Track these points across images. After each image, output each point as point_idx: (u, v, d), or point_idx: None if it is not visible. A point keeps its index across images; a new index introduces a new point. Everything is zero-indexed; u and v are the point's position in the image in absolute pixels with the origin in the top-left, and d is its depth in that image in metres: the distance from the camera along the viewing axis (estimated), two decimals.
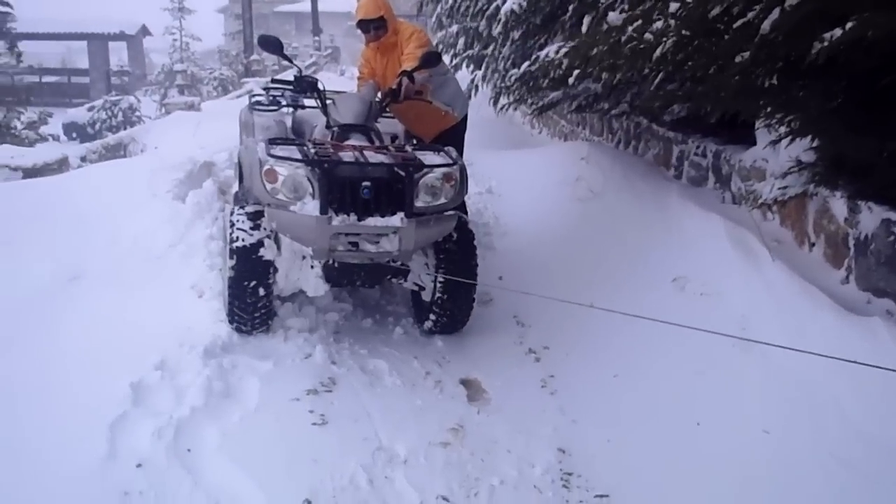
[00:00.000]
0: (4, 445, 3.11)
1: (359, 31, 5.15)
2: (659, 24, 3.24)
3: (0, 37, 19.09)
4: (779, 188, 4.14)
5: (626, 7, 3.88)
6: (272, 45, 4.64)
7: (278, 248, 4.11)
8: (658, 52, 3.29)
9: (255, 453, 3.19)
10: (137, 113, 21.56)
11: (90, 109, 22.96)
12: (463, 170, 4.10)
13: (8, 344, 3.86)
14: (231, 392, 3.63)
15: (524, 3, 3.50)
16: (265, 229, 4.04)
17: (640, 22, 3.32)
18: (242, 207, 4.14)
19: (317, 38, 27.90)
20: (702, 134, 5.94)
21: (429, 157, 4.05)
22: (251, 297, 4.03)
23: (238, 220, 4.06)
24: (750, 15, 2.89)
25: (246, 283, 4.01)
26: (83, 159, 9.42)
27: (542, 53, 4.79)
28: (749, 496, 3.01)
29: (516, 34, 6.29)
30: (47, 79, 32.02)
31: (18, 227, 5.27)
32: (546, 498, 3.14)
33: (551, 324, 4.57)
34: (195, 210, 5.53)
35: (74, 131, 22.06)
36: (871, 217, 3.66)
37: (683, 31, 3.17)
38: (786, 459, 3.11)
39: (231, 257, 4.00)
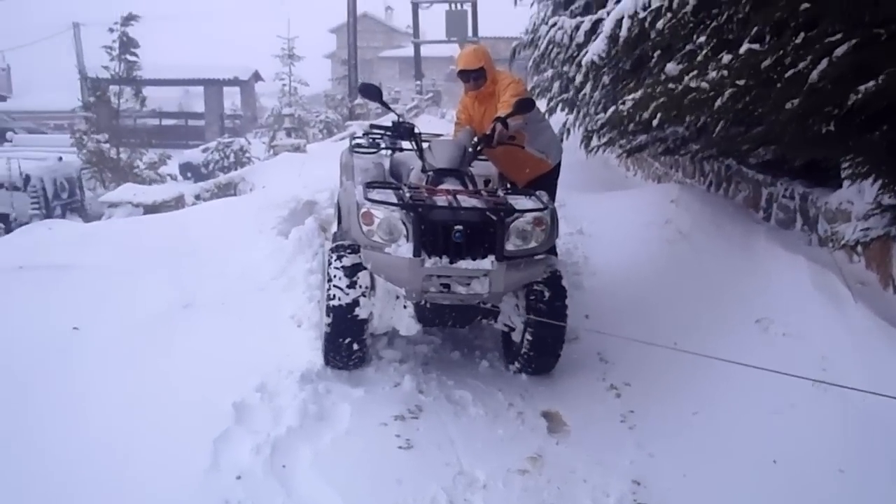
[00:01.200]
0: (121, 453, 3.43)
1: (459, 80, 5.32)
2: (714, 75, 3.38)
3: (127, 83, 20.48)
4: (861, 230, 4.16)
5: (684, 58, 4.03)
6: (372, 92, 4.85)
7: (373, 286, 4.26)
8: (718, 102, 3.42)
9: (344, 472, 3.42)
10: (248, 154, 22.57)
11: (204, 151, 24.21)
12: (553, 214, 4.16)
13: (128, 363, 4.23)
14: (324, 415, 3.88)
15: (603, 54, 3.67)
16: (361, 287, 4.18)
17: (695, 72, 3.46)
18: (340, 259, 4.24)
19: (419, 82, 28.66)
20: (790, 176, 5.95)
21: (520, 202, 4.13)
22: (346, 351, 4.24)
23: (336, 276, 4.19)
24: (801, 65, 3.01)
25: (341, 339, 4.21)
26: (197, 197, 10.05)
27: (629, 98, 4.95)
28: None
29: (606, 79, 6.46)
30: (166, 122, 33.85)
31: (137, 258, 5.74)
32: None
33: (634, 361, 4.66)
34: (297, 246, 5.88)
35: (189, 171, 23.30)
36: None
37: (738, 82, 3.31)
38: (860, 498, 3.12)
39: (328, 315, 4.19)
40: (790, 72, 3.10)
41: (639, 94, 4.56)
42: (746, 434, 3.76)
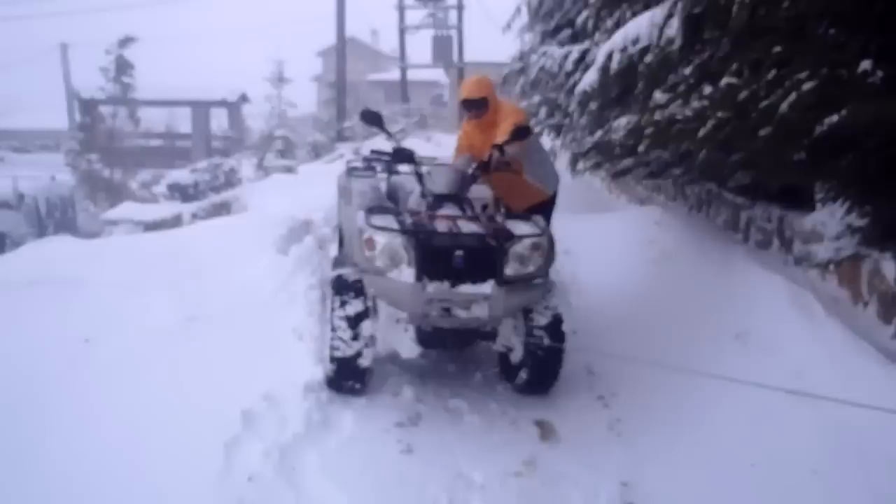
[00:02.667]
0: (136, 459, 3.61)
1: (459, 107, 5.46)
2: (696, 104, 3.69)
3: (120, 104, 20.68)
4: (833, 250, 4.44)
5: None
6: (374, 119, 4.87)
7: (375, 310, 4.37)
8: (701, 132, 3.73)
9: (350, 475, 3.63)
10: (238, 175, 22.79)
11: (192, 171, 24.34)
12: (551, 239, 4.27)
13: (139, 373, 4.41)
14: (328, 422, 4.09)
15: (595, 84, 3.94)
16: (364, 338, 4.25)
17: (680, 101, 3.76)
18: (343, 307, 4.27)
19: (405, 105, 28.96)
20: (767, 200, 6.25)
21: (518, 227, 4.24)
22: (349, 389, 4.38)
23: (339, 328, 4.24)
24: (772, 98, 3.32)
25: (344, 382, 4.35)
26: (194, 215, 10.25)
27: (615, 124, 5.23)
28: None
29: (593, 105, 6.72)
30: (153, 142, 33.94)
31: (142, 274, 5.91)
32: None
33: (620, 374, 4.89)
34: (296, 262, 6.07)
35: (177, 191, 23.42)
36: None
37: (718, 113, 3.61)
38: (833, 498, 3.36)
39: (331, 362, 4.30)
40: (763, 103, 3.42)
41: (625, 120, 4.85)
42: (726, 440, 4.00)
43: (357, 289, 4.29)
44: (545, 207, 5.40)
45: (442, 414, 4.41)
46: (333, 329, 4.28)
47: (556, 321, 4.45)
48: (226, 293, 5.61)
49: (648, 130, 4.21)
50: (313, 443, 3.86)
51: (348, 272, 4.41)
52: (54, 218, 14.15)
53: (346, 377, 4.33)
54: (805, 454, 3.65)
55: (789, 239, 5.74)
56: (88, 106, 19.74)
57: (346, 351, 4.25)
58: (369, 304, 4.32)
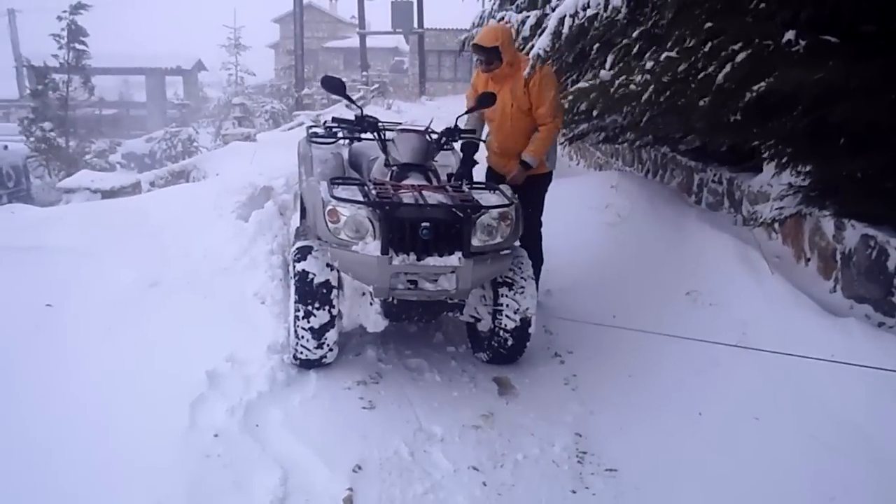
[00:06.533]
0: (103, 418, 3.66)
1: (475, 57, 5.19)
2: (639, 78, 3.84)
3: (72, 72, 20.26)
4: (776, 209, 4.62)
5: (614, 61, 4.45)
6: (335, 86, 4.69)
7: (340, 285, 4.25)
8: (644, 97, 3.87)
9: (313, 430, 3.73)
10: (195, 143, 22.54)
11: (148, 140, 24.04)
12: (518, 209, 4.19)
13: (103, 337, 4.44)
14: (291, 382, 4.18)
15: (548, 48, 4.02)
16: (328, 345, 4.20)
17: (623, 77, 3.89)
18: (307, 318, 4.14)
19: (364, 73, 28.80)
20: (718, 163, 6.44)
21: (485, 198, 4.15)
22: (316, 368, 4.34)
23: (303, 337, 4.16)
24: (710, 69, 3.49)
25: (309, 367, 4.33)
26: (152, 184, 10.16)
27: (571, 90, 5.33)
28: (741, 472, 3.45)
29: None
30: (106, 111, 33.34)
31: (102, 240, 5.90)
32: (563, 470, 3.65)
33: (576, 332, 5.08)
34: (257, 228, 6.10)
35: (132, 161, 23.12)
36: (853, 233, 4.15)
37: (663, 79, 3.76)
38: (773, 441, 3.54)
39: (294, 359, 4.27)
40: (702, 74, 3.60)
41: (578, 87, 4.98)
42: (675, 392, 4.19)
43: (322, 297, 4.16)
44: (542, 182, 5.32)
45: (403, 372, 4.53)
46: (297, 335, 4.19)
47: (524, 324, 4.45)
48: (187, 259, 5.63)
49: (593, 94, 4.33)
50: (277, 401, 3.94)
51: (311, 262, 4.23)
52: (7, 188, 13.90)
53: (311, 366, 4.34)
54: (748, 402, 3.84)
55: (739, 200, 5.93)
56: (40, 73, 19.28)
57: (311, 356, 4.24)
58: (332, 279, 4.20)
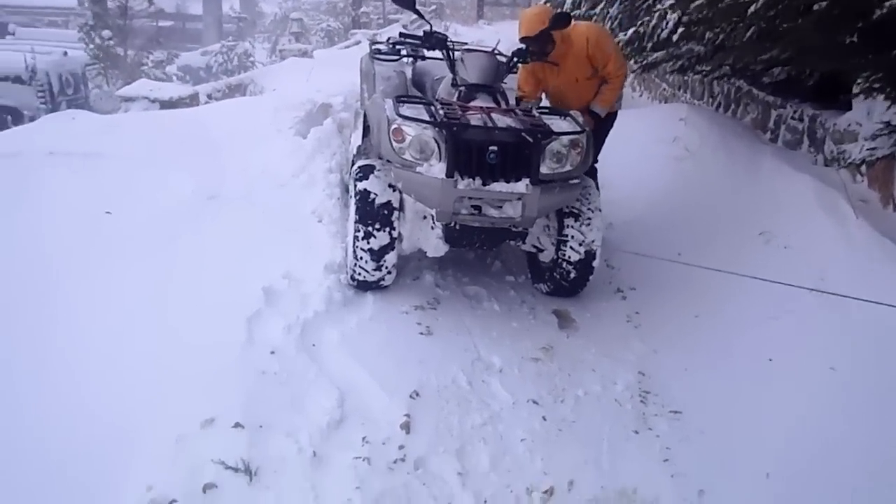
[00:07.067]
0: (160, 329, 3.65)
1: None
2: None
3: None
4: (867, 149, 4.34)
5: None
6: (406, 0, 4.52)
7: (401, 207, 4.13)
8: (752, 8, 3.54)
9: (370, 352, 3.67)
10: (251, 58, 22.37)
11: (204, 54, 23.94)
12: (589, 138, 4.02)
13: (160, 246, 4.41)
14: (348, 302, 4.12)
15: None
16: (386, 267, 4.10)
17: None
18: (367, 239, 4.04)
19: None
20: (800, 99, 6.08)
21: (556, 123, 3.96)
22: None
23: (362, 258, 4.06)
24: None
25: (364, 290, 4.24)
26: (209, 96, 10.09)
27: (655, 11, 5.00)
28: (812, 423, 3.30)
29: None
30: (164, 22, 33.20)
31: (161, 150, 5.87)
32: (625, 410, 3.54)
33: (639, 268, 4.90)
34: (316, 145, 6.01)
35: (188, 73, 23.09)
36: None
37: None
38: (849, 393, 3.37)
39: (351, 280, 4.19)
40: None
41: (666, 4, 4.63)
42: (744, 336, 4.01)
43: (382, 218, 4.03)
44: (606, 123, 5.05)
45: (461, 299, 4.44)
46: (356, 256, 4.09)
47: (589, 257, 4.29)
48: (245, 173, 5.59)
49: (693, 6, 3.97)
50: (334, 321, 3.89)
51: (373, 182, 4.09)
52: (66, 95, 13.94)
53: (367, 289, 4.25)
54: (823, 351, 3.65)
55: (821, 139, 5.60)
56: None
57: (368, 277, 4.15)
58: (394, 200, 4.07)
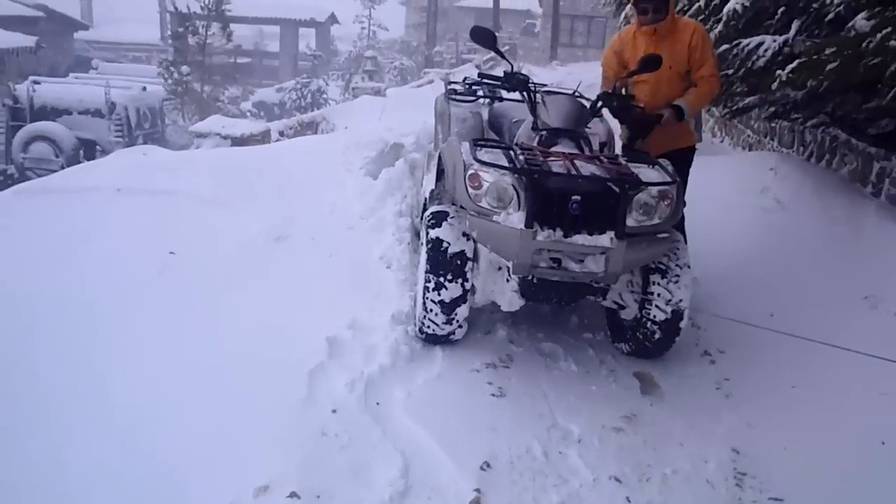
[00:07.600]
0: (218, 379, 3.46)
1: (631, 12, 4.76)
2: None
3: (213, 19, 20.72)
4: None
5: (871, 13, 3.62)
6: (486, 38, 4.37)
7: (475, 259, 3.90)
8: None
9: (438, 415, 3.40)
10: (325, 95, 22.66)
11: (279, 90, 24.42)
12: (680, 188, 3.75)
13: (223, 290, 4.28)
14: (416, 357, 3.87)
15: (747, 3, 3.39)
16: (457, 321, 3.90)
17: (889, 29, 3.12)
18: (438, 290, 3.82)
19: (496, 34, 28.18)
20: None
21: (644, 172, 3.72)
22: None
23: (432, 311, 3.84)
24: None
25: (433, 344, 4.03)
26: (281, 133, 10.11)
27: (759, 49, 4.63)
28: None
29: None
30: (241, 59, 34.12)
31: (230, 188, 5.77)
32: (719, 494, 3.17)
33: (728, 329, 4.53)
34: (386, 187, 5.85)
35: (262, 109, 23.55)
36: None
37: None
38: None
39: (420, 333, 3.98)
40: None
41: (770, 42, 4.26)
42: (851, 413, 3.62)
43: (455, 268, 3.80)
44: (687, 155, 4.76)
45: (535, 357, 4.14)
46: (425, 308, 3.86)
47: (676, 317, 3.95)
48: (313, 214, 5.48)
49: (833, 64, 3.53)
50: (400, 378, 3.65)
51: (447, 230, 3.85)
52: (143, 129, 14.24)
53: (436, 343, 4.02)
54: None
55: None
56: (182, 17, 19.76)
57: (438, 331, 3.93)
58: (468, 250, 3.84)
